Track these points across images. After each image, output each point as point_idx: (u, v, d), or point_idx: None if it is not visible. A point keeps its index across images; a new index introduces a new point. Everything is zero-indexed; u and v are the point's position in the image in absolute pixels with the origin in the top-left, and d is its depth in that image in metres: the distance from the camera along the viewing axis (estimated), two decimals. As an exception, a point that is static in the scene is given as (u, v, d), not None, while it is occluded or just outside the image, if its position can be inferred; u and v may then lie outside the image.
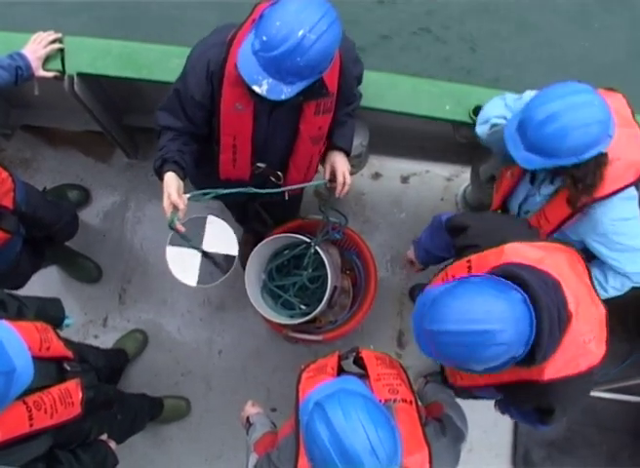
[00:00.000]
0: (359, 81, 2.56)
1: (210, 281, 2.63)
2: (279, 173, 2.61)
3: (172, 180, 2.34)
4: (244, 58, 2.06)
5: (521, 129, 2.07)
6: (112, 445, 2.55)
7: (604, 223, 2.22)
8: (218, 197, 2.53)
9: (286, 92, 2.07)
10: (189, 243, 2.57)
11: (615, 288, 2.41)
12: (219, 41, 2.26)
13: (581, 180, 2.08)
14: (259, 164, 2.55)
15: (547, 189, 2.31)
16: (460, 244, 2.09)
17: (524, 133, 2.06)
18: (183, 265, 2.63)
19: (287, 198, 2.68)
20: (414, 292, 3.74)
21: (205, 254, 2.62)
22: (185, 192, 2.39)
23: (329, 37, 1.99)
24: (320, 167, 2.73)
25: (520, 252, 1.89)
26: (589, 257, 2.36)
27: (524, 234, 2.02)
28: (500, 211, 2.68)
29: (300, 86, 2.07)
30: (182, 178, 2.39)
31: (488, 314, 1.68)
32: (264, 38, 1.97)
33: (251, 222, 3.38)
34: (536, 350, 1.74)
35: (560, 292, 1.81)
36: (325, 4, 2.02)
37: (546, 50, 4.34)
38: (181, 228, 2.42)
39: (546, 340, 1.74)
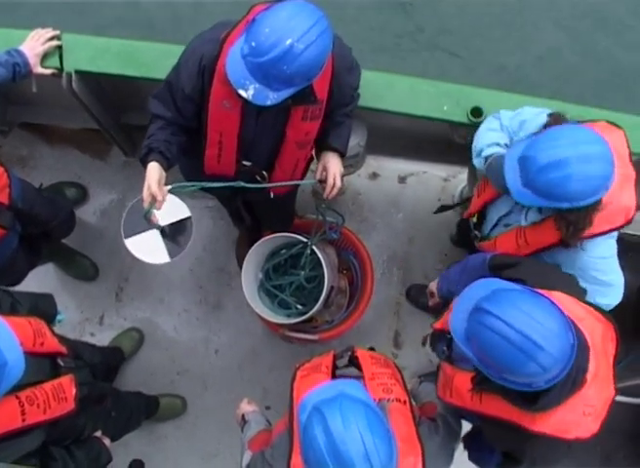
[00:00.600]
0: (356, 87, 2.55)
1: (180, 249, 2.64)
2: (264, 172, 2.60)
3: (154, 171, 2.35)
4: (232, 62, 2.06)
5: (523, 165, 2.02)
6: (107, 441, 2.55)
7: (584, 259, 2.24)
8: (205, 190, 2.53)
9: (272, 98, 2.07)
10: (155, 226, 2.57)
11: None
12: (214, 37, 2.27)
13: (573, 224, 2.07)
14: (244, 162, 2.55)
15: (534, 216, 2.27)
16: (506, 277, 2.07)
17: (525, 169, 2.01)
18: (149, 249, 2.63)
19: (272, 197, 2.68)
20: (410, 293, 3.74)
21: (163, 230, 2.63)
22: (172, 183, 2.40)
23: (318, 46, 1.98)
24: (314, 165, 2.73)
25: (566, 303, 1.89)
26: None
27: (574, 290, 2.04)
28: (476, 216, 2.66)
29: (286, 93, 2.07)
30: (166, 169, 2.39)
31: (549, 333, 1.68)
32: (253, 44, 1.98)
33: (235, 219, 3.38)
34: (541, 395, 1.76)
35: (585, 357, 1.82)
36: (316, 13, 2.01)
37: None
38: (156, 219, 2.45)
39: (557, 391, 1.76)
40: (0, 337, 1.78)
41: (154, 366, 3.70)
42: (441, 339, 2.36)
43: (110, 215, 3.84)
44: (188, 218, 2.62)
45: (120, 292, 3.78)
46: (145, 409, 3.40)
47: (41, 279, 3.50)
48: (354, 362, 2.28)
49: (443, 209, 3.02)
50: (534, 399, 1.79)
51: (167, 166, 2.40)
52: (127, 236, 2.60)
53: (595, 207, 2.01)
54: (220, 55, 2.22)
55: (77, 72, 2.86)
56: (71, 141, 3.85)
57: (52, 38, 2.76)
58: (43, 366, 2.18)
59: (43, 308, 2.48)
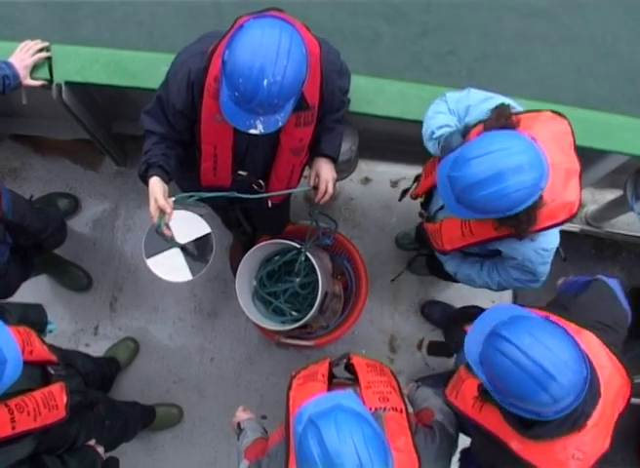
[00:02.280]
0: (346, 90, 2.55)
1: (202, 266, 2.64)
2: (261, 181, 2.61)
3: (157, 185, 2.35)
4: (229, 110, 2.06)
5: (451, 183, 1.99)
6: (100, 450, 2.54)
7: (528, 249, 2.23)
8: (202, 200, 2.53)
9: (281, 118, 2.07)
10: (171, 243, 2.56)
11: (486, 283, 2.51)
12: (201, 50, 2.26)
13: (515, 226, 2.06)
14: (240, 172, 2.55)
15: None
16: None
17: (453, 188, 1.99)
18: (171, 267, 2.63)
19: (270, 206, 2.69)
20: (424, 310, 3.75)
21: (184, 248, 2.62)
22: (170, 195, 2.40)
23: (293, 66, 1.96)
24: (306, 171, 2.73)
25: (592, 346, 1.89)
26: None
27: (610, 337, 2.00)
28: (423, 197, 2.65)
29: (289, 107, 2.08)
30: (167, 182, 2.39)
31: (563, 364, 1.67)
32: (237, 94, 1.98)
33: (230, 227, 3.38)
34: (538, 423, 1.77)
35: (594, 403, 1.82)
36: (275, 28, 1.97)
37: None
38: (168, 232, 2.43)
39: (555, 425, 1.77)
40: (1, 338, 1.81)
41: (150, 375, 3.69)
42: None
43: (103, 226, 3.83)
44: (209, 234, 2.62)
45: (114, 301, 3.77)
46: (142, 419, 3.38)
47: (34, 290, 3.49)
48: (350, 369, 2.28)
49: (404, 193, 2.97)
50: (530, 425, 1.79)
51: (167, 179, 2.40)
52: (148, 256, 2.60)
53: (534, 207, 1.99)
54: (208, 68, 2.21)
55: (67, 83, 2.85)
56: (63, 152, 3.84)
57: (41, 50, 2.75)
58: (33, 374, 2.19)
59: (33, 318, 2.47)
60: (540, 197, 1.97)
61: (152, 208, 2.34)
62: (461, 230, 2.32)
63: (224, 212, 3.15)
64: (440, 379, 3.11)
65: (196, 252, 2.63)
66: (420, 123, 2.76)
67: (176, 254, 2.61)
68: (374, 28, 4.40)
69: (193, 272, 2.61)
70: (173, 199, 2.39)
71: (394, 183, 3.89)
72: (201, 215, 2.69)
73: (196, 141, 2.44)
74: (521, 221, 2.02)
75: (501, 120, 2.06)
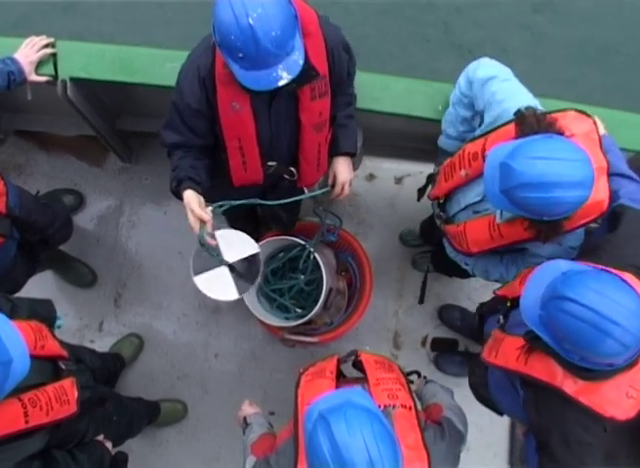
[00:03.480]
0: (352, 70, 2.54)
1: (249, 285, 2.62)
2: (292, 168, 2.61)
3: (192, 197, 2.35)
4: (247, 78, 2.06)
5: (503, 172, 1.97)
6: (108, 445, 2.55)
7: (556, 250, 2.24)
8: (236, 207, 2.52)
9: (298, 57, 2.06)
10: (217, 257, 2.55)
11: (501, 276, 2.50)
12: (204, 47, 2.28)
13: (545, 230, 2.06)
14: (269, 163, 2.54)
15: (509, 215, 2.23)
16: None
17: (505, 178, 1.97)
18: (218, 285, 2.61)
19: (307, 191, 2.72)
20: (442, 315, 3.75)
21: (231, 266, 2.61)
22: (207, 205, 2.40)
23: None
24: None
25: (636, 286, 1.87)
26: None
27: None
28: (442, 200, 2.61)
29: (299, 45, 2.07)
30: (200, 193, 2.39)
31: (628, 312, 1.69)
32: (241, 55, 1.99)
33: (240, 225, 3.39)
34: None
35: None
36: None
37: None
38: (212, 242, 2.43)
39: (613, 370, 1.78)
40: (5, 334, 1.79)
41: (154, 371, 3.70)
42: (498, 307, 2.37)
43: (107, 222, 3.84)
44: (257, 254, 2.61)
45: (119, 297, 3.78)
46: (147, 415, 3.39)
47: (40, 286, 3.48)
48: (358, 366, 2.28)
49: (421, 193, 2.96)
50: (586, 368, 1.80)
51: (200, 190, 2.39)
52: (196, 273, 2.58)
53: (568, 217, 2.01)
54: (214, 60, 2.23)
55: (72, 79, 2.86)
56: (67, 148, 3.85)
57: (46, 45, 2.76)
58: (45, 369, 2.19)
59: (42, 313, 2.48)
60: None
61: (191, 219, 2.34)
62: (490, 232, 2.31)
63: (252, 213, 3.16)
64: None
65: (244, 270, 2.61)
66: (425, 119, 2.77)
67: (223, 273, 2.59)
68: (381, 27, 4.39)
69: (240, 291, 2.59)
70: (210, 208, 2.39)
71: (399, 180, 3.89)
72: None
73: (220, 142, 2.44)
74: (551, 227, 2.03)
75: (554, 127, 2.04)
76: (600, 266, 1.86)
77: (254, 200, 2.54)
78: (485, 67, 2.44)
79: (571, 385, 1.87)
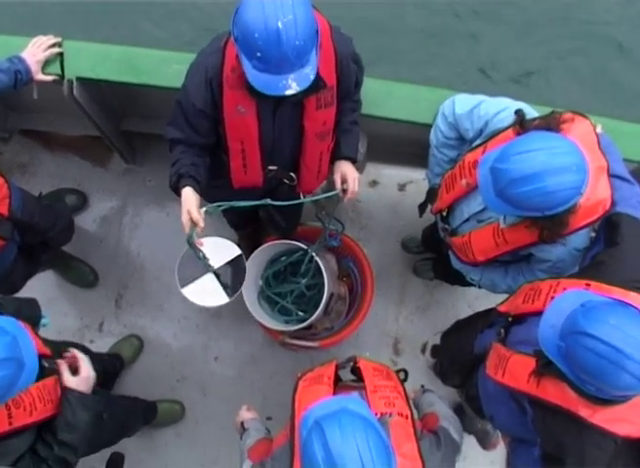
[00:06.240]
0: (360, 80, 2.55)
1: (237, 287, 2.63)
2: (292, 174, 2.61)
3: (190, 196, 2.35)
4: (258, 80, 2.06)
5: (494, 175, 2.00)
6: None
7: (560, 251, 2.25)
8: (232, 209, 2.52)
9: (310, 72, 2.07)
10: (203, 260, 2.56)
11: (509, 287, 2.50)
12: (214, 49, 2.29)
13: (549, 228, 2.08)
14: (270, 167, 2.55)
15: (513, 218, 2.25)
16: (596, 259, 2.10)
17: (497, 181, 2.00)
18: (207, 293, 2.62)
19: (304, 197, 2.71)
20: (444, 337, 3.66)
21: (216, 272, 2.62)
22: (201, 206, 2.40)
23: (299, 5, 1.99)
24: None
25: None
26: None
27: None
28: (445, 212, 2.62)
29: (313, 60, 2.07)
30: (199, 193, 2.39)
31: None
32: (259, 54, 1.98)
33: (240, 228, 3.39)
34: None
35: None
36: None
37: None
38: (201, 243, 2.44)
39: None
40: (22, 340, 1.87)
41: (154, 372, 3.70)
42: (498, 322, 2.37)
43: (110, 222, 3.84)
44: (240, 256, 2.62)
45: (120, 298, 3.78)
46: (144, 415, 3.39)
47: (40, 286, 3.49)
48: (356, 372, 2.28)
49: (422, 209, 2.96)
50: (601, 398, 1.81)
51: (199, 189, 2.40)
52: (183, 285, 2.59)
53: (570, 211, 2.01)
54: (223, 62, 2.23)
55: (78, 79, 2.87)
56: (72, 148, 3.86)
57: (53, 45, 2.77)
58: None
59: (27, 312, 2.48)
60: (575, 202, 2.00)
61: (184, 219, 2.34)
62: (494, 240, 2.33)
63: (252, 214, 3.15)
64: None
65: (229, 274, 2.62)
66: (429, 126, 2.77)
67: (210, 280, 2.60)
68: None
69: (229, 294, 2.61)
70: (203, 209, 2.38)
71: (402, 187, 3.89)
72: (232, 240, 2.68)
73: (222, 143, 2.44)
74: (555, 224, 2.04)
75: (553, 124, 2.07)
76: (615, 296, 1.86)
77: (255, 202, 2.52)
78: (461, 102, 2.46)
79: (586, 409, 1.87)
